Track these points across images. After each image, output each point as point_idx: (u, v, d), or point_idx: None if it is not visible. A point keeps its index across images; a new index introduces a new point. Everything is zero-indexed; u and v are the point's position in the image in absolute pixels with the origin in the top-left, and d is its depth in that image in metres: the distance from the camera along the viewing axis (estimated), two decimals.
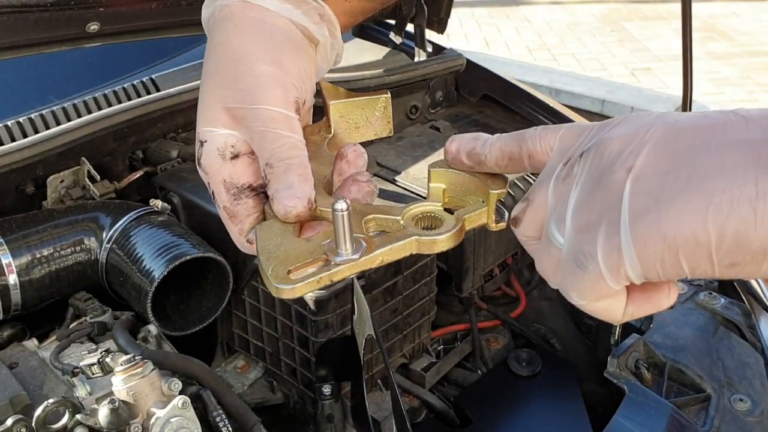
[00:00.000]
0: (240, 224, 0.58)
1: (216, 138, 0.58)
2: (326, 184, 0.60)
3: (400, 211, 0.54)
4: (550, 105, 1.69)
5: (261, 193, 0.59)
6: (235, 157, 0.58)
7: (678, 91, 3.86)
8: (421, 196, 1.40)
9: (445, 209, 0.55)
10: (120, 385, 0.96)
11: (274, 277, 0.50)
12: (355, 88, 1.62)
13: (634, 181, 0.41)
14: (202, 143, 0.59)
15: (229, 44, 0.59)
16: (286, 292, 0.49)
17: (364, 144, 0.65)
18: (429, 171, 0.56)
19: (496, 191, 0.53)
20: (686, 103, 0.98)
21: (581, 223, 0.44)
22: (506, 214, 0.53)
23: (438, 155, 1.59)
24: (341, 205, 0.49)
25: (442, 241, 0.52)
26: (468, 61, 1.81)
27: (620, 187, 0.42)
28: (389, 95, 0.65)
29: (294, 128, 0.57)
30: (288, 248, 0.52)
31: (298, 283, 0.49)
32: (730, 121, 0.41)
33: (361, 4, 0.68)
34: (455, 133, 1.70)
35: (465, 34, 5.93)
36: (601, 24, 6.14)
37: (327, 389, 1.22)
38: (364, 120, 0.65)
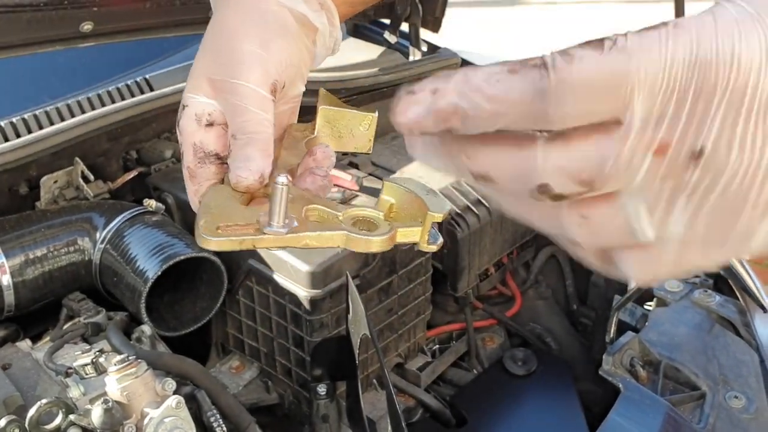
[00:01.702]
0: (198, 185, 0.63)
1: (196, 104, 0.62)
2: (290, 173, 0.62)
3: (343, 209, 0.56)
4: None
5: (224, 163, 0.63)
6: (210, 125, 0.63)
7: None
8: None
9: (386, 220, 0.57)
10: (114, 385, 0.95)
11: (203, 228, 0.54)
12: (351, 87, 1.62)
13: None
14: (183, 107, 0.63)
15: (224, 23, 0.63)
16: (207, 242, 0.53)
17: (343, 154, 0.67)
18: (383, 183, 0.58)
19: (435, 213, 0.54)
20: None
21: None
22: (440, 238, 0.55)
23: None
24: (282, 179, 0.52)
25: (371, 242, 0.54)
26: (463, 60, 1.81)
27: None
28: (377, 115, 0.67)
29: (265, 108, 0.60)
30: (227, 210, 0.56)
31: (222, 237, 0.53)
32: None
33: None
34: None
35: (460, 34, 5.94)
36: (595, 25, 6.15)
37: (322, 389, 1.22)
38: (347, 131, 0.68)
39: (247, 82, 0.60)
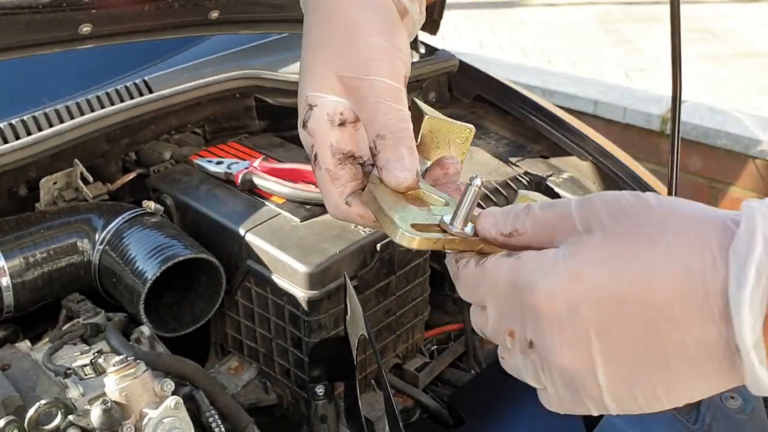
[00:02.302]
0: (342, 187, 0.61)
1: (326, 103, 0.60)
2: None
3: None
4: (543, 105, 1.70)
5: (359, 164, 0.62)
6: (342, 124, 0.61)
7: (670, 92, 3.87)
8: None
9: None
10: (113, 385, 0.96)
11: (400, 226, 0.55)
12: None
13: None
14: (311, 107, 0.61)
15: (342, 13, 0.61)
16: (410, 239, 0.55)
17: None
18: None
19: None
20: (676, 106, 0.99)
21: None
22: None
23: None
24: (478, 181, 0.55)
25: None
26: (461, 62, 1.82)
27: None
28: (474, 130, 0.69)
29: (403, 101, 0.60)
30: (406, 208, 0.58)
31: (419, 236, 0.55)
32: None
33: None
34: None
35: (458, 36, 5.94)
36: (595, 26, 6.15)
37: (320, 390, 1.22)
38: (446, 142, 0.69)
39: (384, 78, 0.58)
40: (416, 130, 0.65)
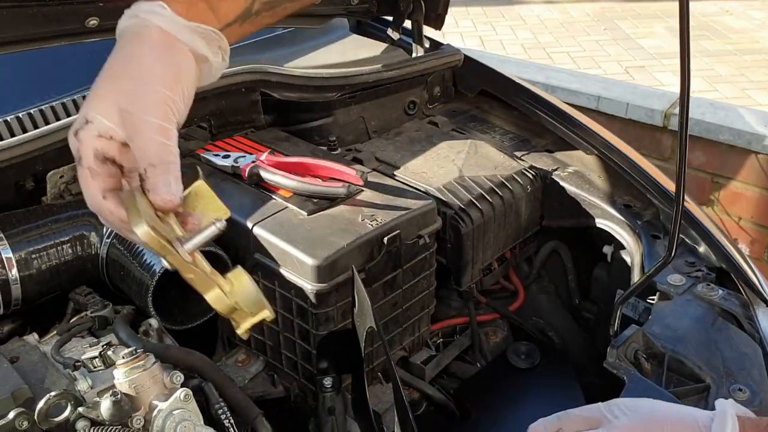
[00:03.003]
0: (102, 182, 0.73)
1: (101, 124, 0.72)
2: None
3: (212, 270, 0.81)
4: (548, 100, 1.70)
5: (119, 168, 0.75)
6: (110, 138, 0.73)
7: (672, 88, 3.87)
8: (418, 190, 1.41)
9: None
10: (122, 378, 0.96)
11: (143, 221, 0.70)
12: (354, 83, 1.62)
13: None
14: (87, 121, 0.72)
15: (140, 62, 0.73)
16: (142, 228, 0.69)
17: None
18: (233, 270, 0.84)
19: (266, 312, 0.83)
20: (684, 102, 0.99)
21: None
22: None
23: (436, 150, 1.60)
24: (221, 224, 0.76)
25: (223, 302, 0.80)
26: (465, 56, 1.81)
27: None
28: (228, 215, 0.81)
29: (174, 141, 0.72)
30: (151, 217, 0.73)
31: (153, 232, 0.70)
32: None
33: (251, 28, 0.83)
34: (453, 129, 1.72)
35: (461, 33, 5.93)
36: (596, 22, 6.15)
37: (328, 382, 1.22)
38: (203, 208, 0.81)
39: (161, 120, 0.71)
40: (187, 184, 0.78)
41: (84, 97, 1.33)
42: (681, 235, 1.38)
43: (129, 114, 0.71)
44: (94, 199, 0.74)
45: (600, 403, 0.82)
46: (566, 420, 0.84)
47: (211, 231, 0.74)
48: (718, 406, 0.78)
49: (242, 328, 0.82)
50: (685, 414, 0.80)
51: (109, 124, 0.72)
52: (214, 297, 0.79)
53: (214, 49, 0.77)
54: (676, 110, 2.84)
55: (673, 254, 1.14)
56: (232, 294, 0.80)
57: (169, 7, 0.74)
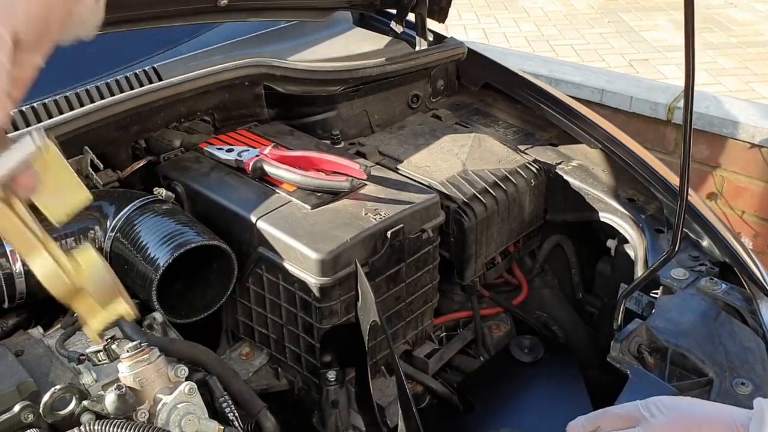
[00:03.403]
0: None
1: None
2: None
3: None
4: (552, 93, 1.69)
5: None
6: None
7: (676, 81, 3.86)
8: (421, 184, 1.41)
9: None
10: (126, 371, 0.96)
11: None
12: (357, 77, 1.62)
13: None
14: None
15: None
16: None
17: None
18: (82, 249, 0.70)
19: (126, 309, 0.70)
20: (688, 95, 0.98)
21: None
22: None
23: (439, 143, 1.59)
24: (36, 134, 0.60)
25: (49, 270, 0.66)
26: (469, 49, 1.81)
27: None
28: (88, 200, 0.70)
29: (5, 52, 0.59)
30: None
31: None
32: None
33: None
34: (457, 122, 1.72)
35: (464, 26, 5.91)
36: (599, 15, 6.12)
37: (332, 375, 1.23)
38: (58, 188, 0.67)
39: None
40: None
41: (87, 91, 1.34)
42: (684, 230, 1.38)
43: None
44: None
45: (638, 401, 0.82)
46: (603, 418, 0.84)
47: (26, 146, 0.59)
48: (756, 405, 0.78)
49: (93, 327, 0.67)
50: (723, 412, 0.80)
51: None
52: (44, 269, 0.63)
53: None
54: (680, 104, 2.84)
55: (677, 248, 1.14)
56: (77, 274, 0.65)
57: None
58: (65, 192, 0.66)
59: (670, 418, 0.79)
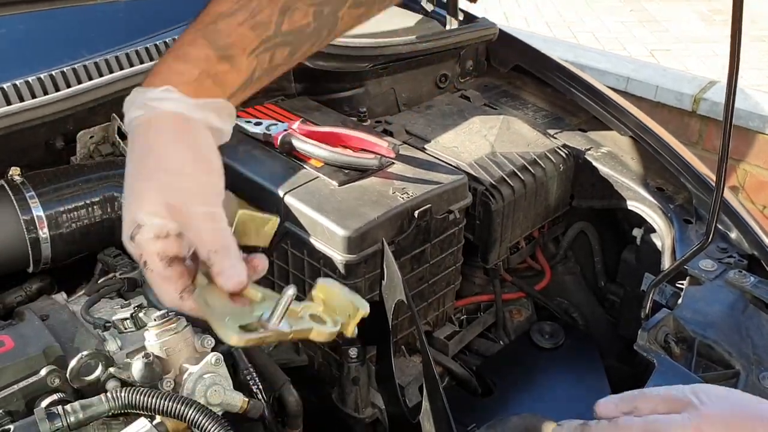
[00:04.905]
0: (174, 284, 0.73)
1: (154, 226, 0.72)
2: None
3: (298, 306, 0.76)
4: (583, 78, 1.67)
5: (185, 262, 0.74)
6: (166, 236, 0.72)
7: (700, 73, 3.81)
8: (449, 164, 1.39)
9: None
10: (153, 340, 0.96)
11: (230, 329, 0.69)
12: (387, 54, 1.60)
13: None
14: (139, 226, 0.72)
15: (167, 151, 0.73)
16: (238, 340, 0.69)
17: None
18: (316, 284, 0.79)
19: (363, 310, 0.76)
20: (731, 88, 0.97)
21: None
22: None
23: (467, 125, 1.58)
24: (292, 290, 0.71)
25: (332, 334, 0.76)
26: (500, 30, 1.78)
27: None
28: (278, 220, 0.81)
29: (224, 221, 0.73)
30: (233, 309, 0.72)
31: (247, 336, 0.70)
32: None
33: (252, 91, 0.81)
34: (485, 104, 1.70)
35: (485, 8, 5.86)
36: (622, 3, 6.04)
37: (353, 352, 1.22)
38: (255, 231, 0.80)
39: (208, 207, 0.71)
40: (229, 215, 0.75)
41: (117, 58, 1.33)
42: None
43: (174, 207, 0.71)
44: (172, 302, 0.75)
45: (684, 386, 0.75)
46: (642, 399, 0.76)
47: (287, 300, 0.71)
48: None
49: (348, 332, 0.78)
50: None
51: (160, 222, 0.71)
52: (316, 335, 0.76)
53: (224, 118, 0.77)
54: (706, 95, 2.80)
55: (710, 239, 1.12)
56: (327, 313, 0.77)
57: (176, 89, 0.73)
58: (261, 226, 0.81)
59: (723, 408, 0.72)
